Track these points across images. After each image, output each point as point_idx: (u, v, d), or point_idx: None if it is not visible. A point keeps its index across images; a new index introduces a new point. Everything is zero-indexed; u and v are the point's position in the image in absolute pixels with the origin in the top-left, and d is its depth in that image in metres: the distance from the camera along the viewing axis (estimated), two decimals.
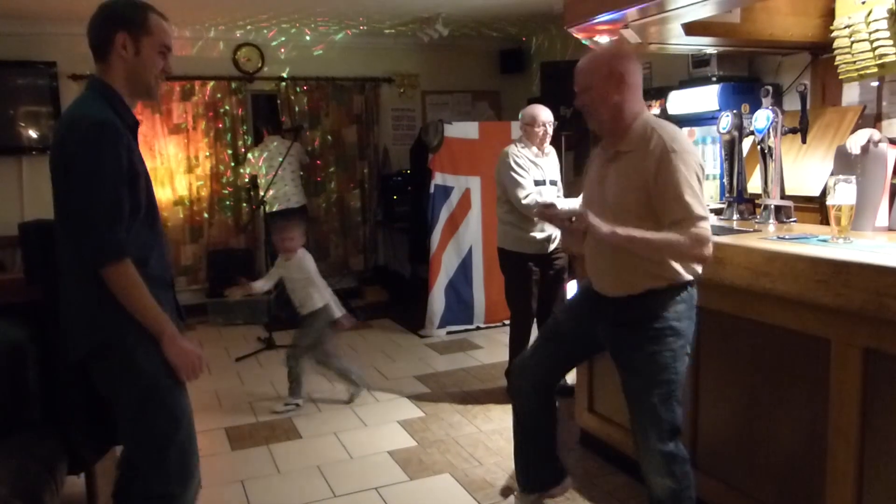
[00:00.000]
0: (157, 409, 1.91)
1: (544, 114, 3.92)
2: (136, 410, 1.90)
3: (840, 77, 3.39)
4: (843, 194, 2.26)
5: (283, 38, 6.49)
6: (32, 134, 5.78)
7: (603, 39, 3.60)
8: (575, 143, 5.90)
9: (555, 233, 3.93)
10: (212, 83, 6.30)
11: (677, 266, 2.14)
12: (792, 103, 4.01)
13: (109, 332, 1.85)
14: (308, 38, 6.53)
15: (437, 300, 5.43)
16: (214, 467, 3.34)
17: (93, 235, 1.76)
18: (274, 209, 5.90)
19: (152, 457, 1.94)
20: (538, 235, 3.91)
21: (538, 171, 3.92)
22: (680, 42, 3.72)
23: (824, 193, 2.41)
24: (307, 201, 6.27)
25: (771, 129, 2.73)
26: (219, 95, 6.34)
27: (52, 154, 1.86)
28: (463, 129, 5.49)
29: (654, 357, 2.14)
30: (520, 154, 3.88)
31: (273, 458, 3.40)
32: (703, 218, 2.03)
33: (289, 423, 3.82)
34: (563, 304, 2.57)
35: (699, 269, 2.21)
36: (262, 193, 5.85)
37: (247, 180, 6.32)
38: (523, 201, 3.77)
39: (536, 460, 2.65)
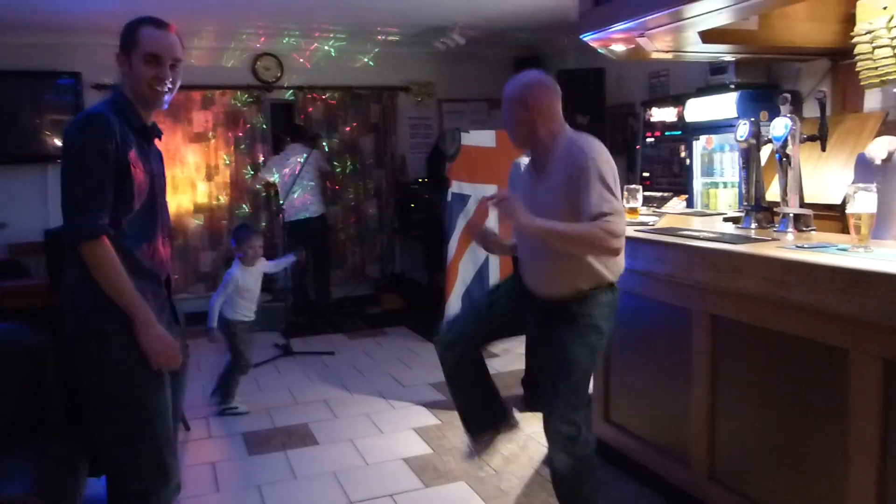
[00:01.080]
0: (131, 402, 1.91)
1: None
2: (109, 402, 1.92)
3: (861, 83, 3.36)
4: (864, 203, 2.24)
5: (301, 48, 6.55)
6: (57, 142, 5.88)
7: (618, 48, 3.60)
8: None
9: None
10: (232, 92, 6.38)
11: (602, 269, 2.36)
12: (811, 110, 3.98)
13: (87, 318, 1.89)
14: (326, 47, 6.59)
15: (454, 308, 5.42)
16: (232, 472, 3.36)
17: (71, 217, 1.85)
18: (293, 218, 5.93)
19: (125, 452, 1.94)
20: None
21: None
22: (697, 50, 3.71)
23: (845, 202, 2.38)
24: (326, 210, 6.30)
25: (789, 137, 2.71)
26: (238, 104, 6.41)
27: None
28: (480, 138, 5.49)
29: (574, 350, 2.35)
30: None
31: (290, 463, 3.42)
32: (614, 213, 2.19)
33: (305, 430, 3.84)
34: (497, 284, 2.80)
35: (620, 268, 2.43)
36: (281, 201, 5.90)
37: (258, 186, 6.33)
38: None
39: (477, 408, 2.77)
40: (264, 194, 6.50)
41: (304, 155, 5.85)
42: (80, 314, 1.91)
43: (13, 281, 3.57)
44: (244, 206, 6.50)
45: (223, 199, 6.44)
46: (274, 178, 6.02)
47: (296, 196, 5.88)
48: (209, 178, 6.38)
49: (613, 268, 2.41)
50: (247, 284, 4.21)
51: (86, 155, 1.85)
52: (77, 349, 1.93)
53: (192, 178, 6.33)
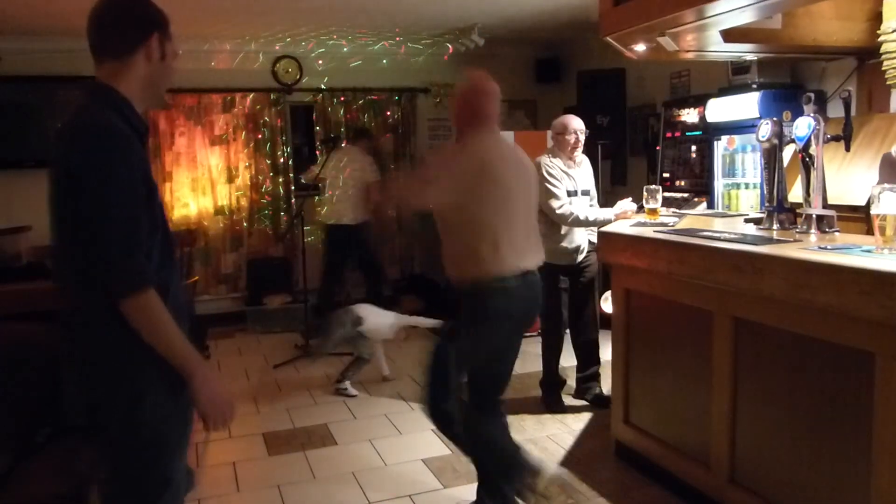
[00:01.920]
0: (151, 468, 1.64)
1: (575, 122, 3.90)
2: (127, 466, 1.64)
3: (888, 83, 3.30)
4: (889, 204, 2.19)
5: (321, 50, 6.59)
6: None
7: (639, 48, 3.58)
8: (612, 152, 5.86)
9: (584, 243, 3.92)
10: (252, 95, 6.43)
11: (485, 258, 2.53)
12: (836, 110, 3.92)
13: (118, 377, 1.59)
14: (345, 49, 6.62)
15: None
16: (252, 472, 3.39)
17: (110, 263, 1.51)
18: (329, 222, 5.84)
19: None
20: (568, 246, 3.89)
21: (570, 182, 3.89)
22: (719, 49, 3.67)
23: (870, 203, 2.34)
24: (361, 219, 5.94)
25: (812, 137, 2.67)
26: (259, 107, 6.46)
27: (53, 170, 1.60)
28: None
29: (466, 337, 2.64)
30: (552, 164, 3.86)
31: (309, 463, 3.44)
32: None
33: (325, 430, 3.86)
34: None
35: (507, 263, 2.55)
36: (326, 198, 5.82)
37: (302, 181, 6.12)
38: (557, 211, 3.75)
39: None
40: (313, 184, 6.32)
41: (358, 158, 5.74)
42: (107, 376, 1.59)
43: (36, 283, 3.64)
44: (264, 209, 6.54)
45: (243, 201, 6.49)
46: (325, 174, 5.79)
47: (335, 199, 5.77)
48: (230, 180, 6.44)
49: (498, 260, 2.54)
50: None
51: (115, 184, 1.52)
52: (98, 413, 1.61)
53: (213, 181, 6.39)
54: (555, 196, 3.76)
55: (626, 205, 3.84)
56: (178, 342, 1.58)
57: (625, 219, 3.73)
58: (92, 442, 1.69)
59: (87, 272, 1.54)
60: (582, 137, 3.92)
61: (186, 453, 1.75)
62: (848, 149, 2.80)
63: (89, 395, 1.60)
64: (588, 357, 4.13)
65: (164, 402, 1.61)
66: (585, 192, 3.99)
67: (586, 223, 3.78)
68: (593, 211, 3.84)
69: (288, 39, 6.28)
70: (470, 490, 3.08)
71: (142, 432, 1.60)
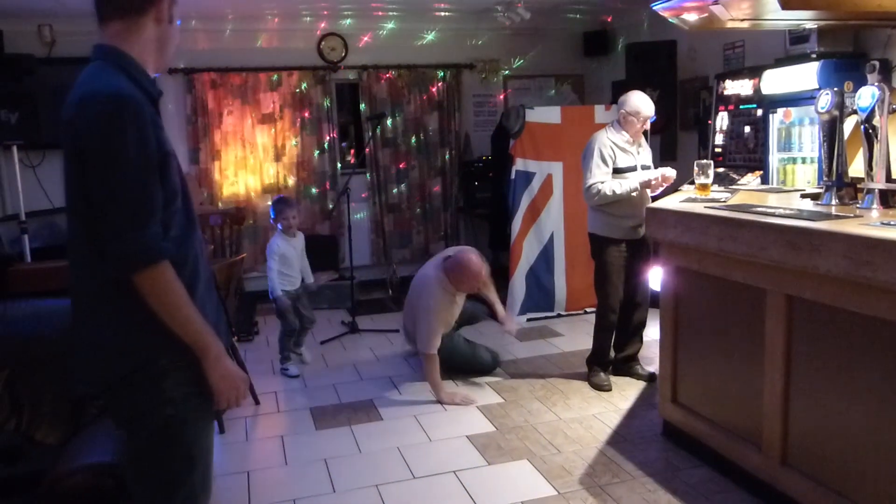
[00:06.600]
0: (174, 447, 1.62)
1: (649, 109, 3.83)
2: (150, 445, 1.62)
3: None
4: None
5: (365, 27, 6.57)
6: None
7: (691, 17, 3.45)
8: (661, 127, 5.72)
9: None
10: (298, 73, 6.46)
11: None
12: None
13: (141, 354, 1.57)
14: (390, 25, 6.59)
15: (518, 287, 5.39)
16: (299, 446, 3.45)
17: (121, 235, 1.47)
18: None
19: (157, 500, 1.67)
20: (630, 221, 3.83)
21: (627, 158, 3.84)
22: (776, 17, 3.51)
23: None
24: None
25: (876, 107, 2.54)
26: (304, 85, 6.49)
27: (63, 141, 1.53)
28: (545, 114, 5.40)
29: None
30: (607, 143, 3.80)
31: (355, 438, 3.49)
32: None
33: (370, 405, 3.90)
34: None
35: None
36: None
37: None
38: (585, 187, 3.80)
39: None
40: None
41: None
42: (124, 350, 1.57)
43: None
44: (311, 186, 6.60)
45: (291, 179, 6.56)
46: None
47: None
48: (277, 158, 6.51)
49: None
50: (287, 254, 4.43)
51: (125, 152, 1.45)
52: (117, 390, 1.60)
53: (261, 159, 6.47)
54: (590, 174, 3.78)
55: (667, 171, 3.78)
56: (192, 318, 1.55)
57: (650, 188, 3.77)
58: (114, 422, 1.71)
59: (101, 247, 1.49)
60: (648, 126, 3.92)
61: (212, 433, 1.73)
62: None
63: (108, 375, 1.58)
64: (635, 334, 4.08)
65: (187, 379, 1.59)
66: (645, 167, 3.96)
67: (613, 197, 3.73)
68: (619, 184, 3.76)
69: (332, 17, 6.28)
70: (514, 466, 3.10)
71: (165, 410, 1.58)
